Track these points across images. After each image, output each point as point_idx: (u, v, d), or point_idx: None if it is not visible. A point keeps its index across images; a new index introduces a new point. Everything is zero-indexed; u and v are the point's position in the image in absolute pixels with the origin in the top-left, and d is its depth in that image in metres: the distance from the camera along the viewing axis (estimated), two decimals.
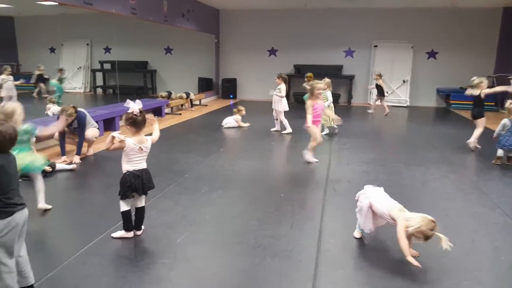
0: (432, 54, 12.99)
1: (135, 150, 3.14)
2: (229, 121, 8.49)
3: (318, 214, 3.89)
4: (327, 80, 7.89)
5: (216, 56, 14.33)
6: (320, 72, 13.21)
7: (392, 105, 12.90)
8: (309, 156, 5.74)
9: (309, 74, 8.70)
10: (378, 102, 11.26)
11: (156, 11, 9.65)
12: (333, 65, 13.26)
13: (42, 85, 12.57)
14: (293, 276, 2.78)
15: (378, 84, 11.01)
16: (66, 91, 14.57)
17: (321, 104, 5.64)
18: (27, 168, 3.50)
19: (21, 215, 2.33)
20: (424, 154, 6.38)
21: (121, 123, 2.97)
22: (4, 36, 15.52)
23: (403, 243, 2.79)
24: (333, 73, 13.26)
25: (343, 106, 12.76)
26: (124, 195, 3.17)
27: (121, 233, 3.28)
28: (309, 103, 5.55)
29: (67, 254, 2.98)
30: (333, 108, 8.01)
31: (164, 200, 4.17)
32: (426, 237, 2.75)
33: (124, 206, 3.22)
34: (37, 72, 12.70)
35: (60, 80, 12.58)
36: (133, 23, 12.82)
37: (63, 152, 5.57)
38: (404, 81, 13.03)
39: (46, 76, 12.75)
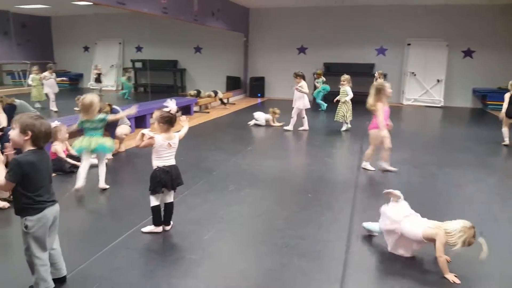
0: (468, 53, 12.57)
1: (164, 147, 3.21)
2: (260, 117, 8.47)
3: (347, 215, 3.82)
4: (346, 76, 8.01)
5: (245, 54, 14.37)
6: (350, 70, 13.06)
7: (426, 105, 12.60)
8: (385, 165, 5.17)
9: (319, 71, 8.68)
10: None
11: (186, 10, 9.75)
12: (364, 63, 13.04)
13: (99, 84, 12.82)
14: (320, 278, 2.74)
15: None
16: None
17: (387, 107, 5.11)
18: (100, 148, 4.18)
19: (51, 211, 2.37)
20: (458, 156, 6.17)
21: (151, 120, 3.02)
22: (41, 35, 16.09)
23: (443, 260, 2.70)
24: (364, 71, 13.07)
25: None
26: (154, 190, 3.22)
27: (150, 227, 3.33)
28: (379, 106, 4.97)
29: (99, 247, 3.04)
30: (350, 105, 8.00)
31: (192, 197, 4.20)
32: (469, 245, 2.66)
33: (153, 201, 3.27)
34: (95, 72, 12.86)
35: (128, 79, 13.22)
36: (164, 22, 13.03)
37: None
38: (438, 81, 12.66)
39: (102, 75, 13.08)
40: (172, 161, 3.29)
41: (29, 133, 2.26)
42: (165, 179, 3.21)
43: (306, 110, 7.99)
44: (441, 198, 4.36)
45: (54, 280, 2.47)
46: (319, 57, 13.48)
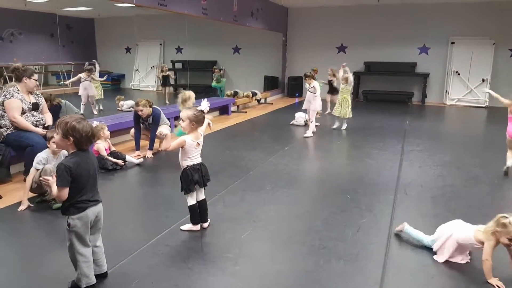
0: None
1: (193, 146, 3.23)
2: (299, 117, 8.43)
3: (387, 217, 3.73)
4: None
5: (283, 54, 14.33)
6: (391, 69, 12.84)
7: (470, 105, 12.11)
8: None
9: (315, 69, 8.63)
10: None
11: (226, 11, 9.83)
12: (406, 62, 12.70)
13: (167, 88, 12.04)
14: (358, 280, 2.69)
15: (331, 80, 10.26)
16: (140, 89, 15.44)
17: None
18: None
19: (93, 211, 2.44)
20: (504, 159, 5.87)
21: (180, 120, 3.01)
22: (85, 36, 16.69)
23: (488, 264, 2.61)
24: (406, 70, 12.76)
25: (416, 106, 12.19)
26: (188, 189, 3.27)
27: (189, 226, 3.38)
28: None
29: (138, 244, 3.12)
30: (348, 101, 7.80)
31: (230, 195, 4.23)
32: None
33: (191, 200, 3.32)
34: (161, 75, 12.14)
35: (218, 80, 12.93)
36: (203, 23, 13.19)
37: (137, 147, 5.86)
38: (483, 80, 12.13)
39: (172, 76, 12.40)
40: (199, 159, 3.33)
41: (71, 138, 2.33)
42: (197, 177, 3.26)
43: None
44: (486, 201, 4.18)
45: (96, 276, 2.54)
46: (359, 56, 13.25)
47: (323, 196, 4.39)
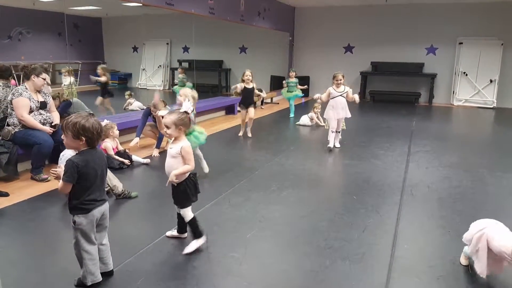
0: None
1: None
2: (304, 120, 8.42)
3: (393, 218, 3.71)
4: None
5: (290, 54, 14.31)
6: (399, 70, 12.78)
7: (477, 106, 12.02)
8: None
9: (293, 69, 8.79)
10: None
11: (233, 10, 9.84)
12: (413, 62, 12.63)
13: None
14: (364, 281, 2.68)
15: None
16: (147, 88, 15.50)
17: None
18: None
19: (99, 210, 2.45)
20: (511, 160, 5.85)
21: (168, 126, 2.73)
22: (92, 35, 16.77)
23: None
24: (413, 71, 12.69)
25: (423, 106, 12.13)
26: (191, 201, 2.98)
27: (195, 244, 2.99)
28: None
29: (144, 242, 3.13)
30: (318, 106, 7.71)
31: (235, 195, 4.23)
32: None
33: (190, 212, 3.00)
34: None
35: (180, 83, 10.66)
36: (210, 23, 13.19)
37: (138, 134, 5.94)
38: (491, 81, 12.04)
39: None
40: None
41: (83, 138, 2.33)
42: (195, 187, 2.99)
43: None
44: (492, 204, 4.15)
45: (102, 274, 2.56)
46: (366, 56, 13.21)
47: (329, 196, 4.38)
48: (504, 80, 11.98)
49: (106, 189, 2.57)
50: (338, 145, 6.51)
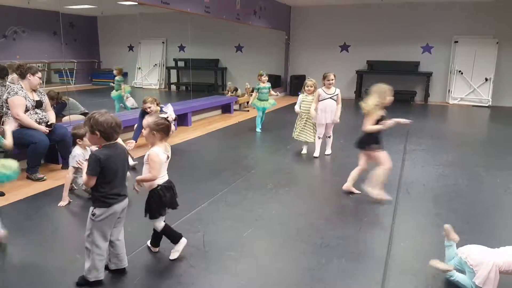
0: None
1: (164, 160, 2.75)
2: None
3: (389, 216, 3.73)
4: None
5: (286, 52, 14.32)
6: (394, 68, 12.81)
7: (473, 104, 12.08)
8: None
9: (261, 72, 7.56)
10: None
11: (229, 9, 9.83)
12: (409, 61, 12.68)
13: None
14: (360, 279, 2.69)
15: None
16: (143, 87, 15.47)
17: None
18: None
19: (120, 206, 2.49)
20: (507, 158, 5.88)
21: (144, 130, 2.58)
22: (88, 34, 16.73)
23: None
24: (409, 69, 12.73)
25: (419, 105, 12.17)
26: (159, 214, 2.80)
27: (176, 252, 2.88)
28: None
29: (141, 241, 3.12)
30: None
31: (232, 194, 4.23)
32: None
33: (160, 224, 2.85)
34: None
35: (117, 87, 9.15)
36: (206, 22, 13.20)
37: (135, 138, 5.69)
38: (486, 79, 12.10)
39: None
40: (167, 176, 2.85)
41: (97, 132, 2.38)
42: (169, 198, 2.78)
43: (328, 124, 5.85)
44: (487, 201, 4.17)
45: (115, 271, 2.61)
46: (362, 55, 13.25)
47: (325, 195, 4.39)
48: (499, 79, 12.04)
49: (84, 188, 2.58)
50: (329, 151, 5.97)
